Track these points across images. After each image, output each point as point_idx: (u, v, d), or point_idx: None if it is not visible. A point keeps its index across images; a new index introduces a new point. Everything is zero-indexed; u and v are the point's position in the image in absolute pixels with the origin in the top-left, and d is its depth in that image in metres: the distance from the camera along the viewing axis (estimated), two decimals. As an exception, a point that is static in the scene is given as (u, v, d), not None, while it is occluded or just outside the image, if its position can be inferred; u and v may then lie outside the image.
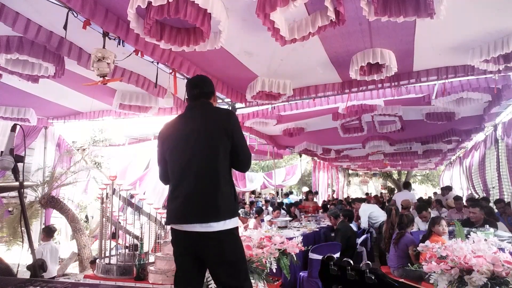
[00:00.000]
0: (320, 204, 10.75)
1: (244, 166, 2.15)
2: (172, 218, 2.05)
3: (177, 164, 2.08)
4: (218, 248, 1.95)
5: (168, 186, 2.16)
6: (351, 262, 0.95)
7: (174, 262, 2.12)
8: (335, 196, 14.21)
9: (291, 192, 17.09)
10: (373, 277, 0.87)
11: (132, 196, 3.50)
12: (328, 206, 9.07)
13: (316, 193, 11.24)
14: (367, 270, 0.89)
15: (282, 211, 8.39)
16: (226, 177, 2.04)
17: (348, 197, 14.58)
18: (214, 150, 2.01)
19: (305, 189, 19.60)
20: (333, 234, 5.85)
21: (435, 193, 14.42)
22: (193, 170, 2.00)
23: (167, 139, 2.18)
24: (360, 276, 0.90)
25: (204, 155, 2.01)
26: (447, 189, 10.17)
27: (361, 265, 0.90)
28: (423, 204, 6.23)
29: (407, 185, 9.33)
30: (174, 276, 2.10)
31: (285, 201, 12.17)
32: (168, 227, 3.47)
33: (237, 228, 2.05)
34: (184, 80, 4.27)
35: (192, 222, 1.95)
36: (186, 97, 2.33)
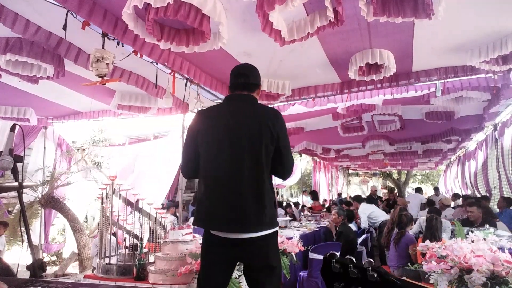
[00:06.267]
0: (321, 203, 10.88)
1: (286, 174, 1.98)
2: (210, 223, 1.89)
3: (215, 163, 1.88)
4: (263, 252, 1.85)
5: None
6: (354, 259, 0.95)
7: (201, 266, 1.98)
8: (333, 197, 14.16)
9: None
10: (375, 275, 0.87)
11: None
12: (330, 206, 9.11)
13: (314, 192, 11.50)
14: (370, 268, 0.89)
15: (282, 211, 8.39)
16: (269, 183, 1.88)
17: (349, 196, 14.52)
18: (258, 153, 1.83)
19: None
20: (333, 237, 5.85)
21: None
22: (235, 174, 1.83)
23: (203, 132, 1.94)
24: (362, 274, 0.90)
25: (248, 158, 1.83)
26: (438, 190, 11.90)
27: (363, 262, 0.91)
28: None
29: (418, 190, 10.66)
30: (197, 279, 1.97)
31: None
32: (168, 227, 3.46)
33: (277, 232, 1.95)
34: (184, 81, 4.26)
35: (236, 231, 1.83)
36: (229, 85, 2.10)
